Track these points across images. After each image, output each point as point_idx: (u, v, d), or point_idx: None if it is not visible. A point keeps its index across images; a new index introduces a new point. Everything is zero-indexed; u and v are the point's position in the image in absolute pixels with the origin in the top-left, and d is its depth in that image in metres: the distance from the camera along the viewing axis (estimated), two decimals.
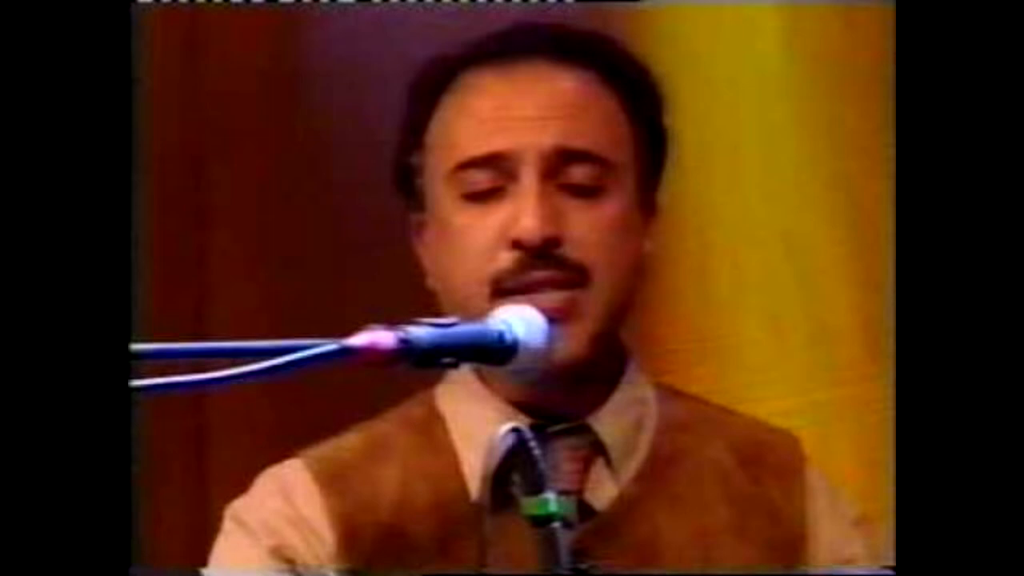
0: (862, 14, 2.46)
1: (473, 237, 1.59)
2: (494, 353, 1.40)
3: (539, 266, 1.57)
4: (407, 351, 1.34)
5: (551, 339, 1.43)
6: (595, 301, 1.59)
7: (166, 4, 2.49)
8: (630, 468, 1.63)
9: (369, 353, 1.33)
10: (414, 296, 1.66)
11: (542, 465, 1.33)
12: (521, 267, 1.57)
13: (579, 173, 1.59)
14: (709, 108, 2.53)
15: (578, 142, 1.59)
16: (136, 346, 1.26)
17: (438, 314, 1.45)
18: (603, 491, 1.61)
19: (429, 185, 1.65)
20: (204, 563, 1.64)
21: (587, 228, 1.59)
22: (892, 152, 1.36)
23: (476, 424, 1.58)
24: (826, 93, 2.57)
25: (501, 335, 1.39)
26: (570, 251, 1.58)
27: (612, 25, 2.12)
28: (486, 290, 1.57)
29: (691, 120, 2.08)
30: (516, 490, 1.35)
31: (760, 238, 2.57)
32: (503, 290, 1.56)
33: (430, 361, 1.36)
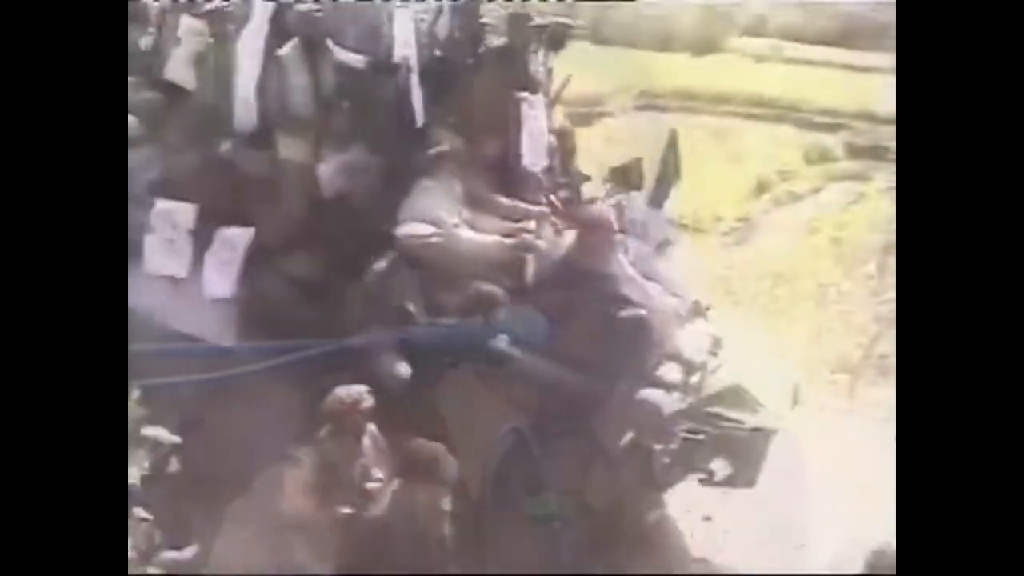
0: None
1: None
2: (494, 353, 1.40)
3: None
4: (407, 351, 1.34)
5: (551, 339, 1.43)
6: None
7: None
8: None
9: (369, 353, 1.32)
10: None
11: (542, 465, 1.33)
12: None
13: None
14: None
15: None
16: (136, 346, 1.26)
17: None
18: (603, 491, 1.61)
19: None
20: (204, 563, 1.65)
21: None
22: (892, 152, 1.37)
23: (476, 424, 1.58)
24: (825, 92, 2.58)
25: (501, 335, 1.39)
26: None
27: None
28: None
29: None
30: (516, 490, 1.35)
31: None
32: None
33: (430, 361, 1.36)
